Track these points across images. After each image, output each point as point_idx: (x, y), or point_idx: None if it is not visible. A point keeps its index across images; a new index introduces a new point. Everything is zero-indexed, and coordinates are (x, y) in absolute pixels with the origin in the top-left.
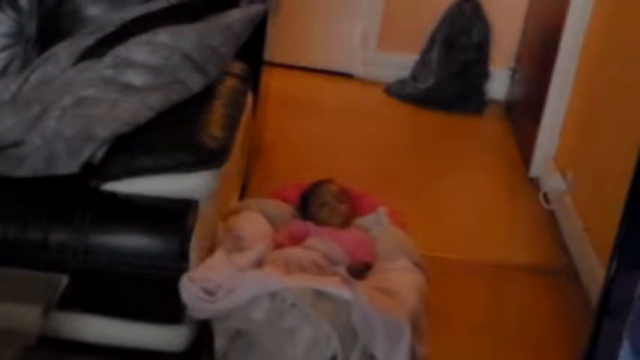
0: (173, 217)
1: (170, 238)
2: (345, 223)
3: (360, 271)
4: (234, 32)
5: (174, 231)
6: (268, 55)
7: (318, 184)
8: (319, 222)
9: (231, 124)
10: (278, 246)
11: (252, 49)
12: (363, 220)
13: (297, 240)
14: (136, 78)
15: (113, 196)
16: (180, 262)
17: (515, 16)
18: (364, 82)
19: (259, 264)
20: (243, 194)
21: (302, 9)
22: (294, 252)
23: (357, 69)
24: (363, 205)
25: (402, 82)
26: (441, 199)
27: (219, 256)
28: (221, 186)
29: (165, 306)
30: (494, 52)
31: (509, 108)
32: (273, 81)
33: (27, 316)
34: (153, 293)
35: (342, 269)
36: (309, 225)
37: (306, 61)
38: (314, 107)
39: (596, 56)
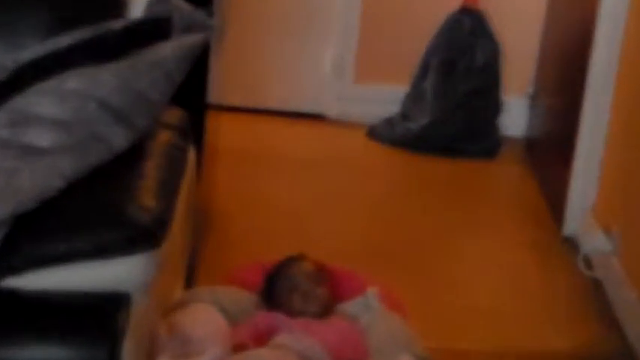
0: (97, 318)
1: (95, 347)
2: (325, 311)
3: None
4: (165, 71)
5: (99, 337)
6: (213, 97)
7: (287, 263)
8: (291, 312)
9: (169, 189)
10: (239, 347)
11: (191, 92)
12: (348, 306)
13: (263, 338)
14: (40, 137)
15: (14, 294)
16: None
17: (529, 29)
18: (340, 124)
19: None
20: (189, 281)
21: (255, 36)
22: (260, 355)
23: (330, 108)
24: (348, 287)
25: (388, 122)
26: (449, 273)
27: None
28: (160, 272)
29: None
30: (506, 77)
31: (530, 147)
32: (222, 130)
33: None
34: None
35: None
36: (278, 317)
37: (265, 102)
38: (277, 160)
39: (637, 74)
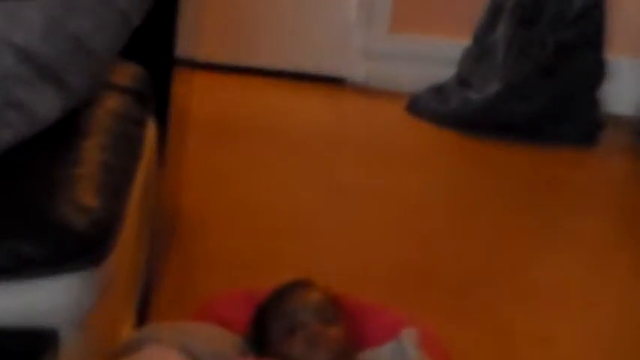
0: None
1: None
2: (343, 352)
3: None
4: (115, 7)
5: None
6: (186, 49)
7: (286, 292)
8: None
9: (118, 182)
10: None
11: (153, 41)
12: (374, 355)
13: None
14: None
15: None
16: None
17: None
18: (368, 92)
19: None
20: (143, 315)
21: None
22: None
23: (355, 69)
24: (373, 327)
25: (439, 91)
26: (519, 310)
27: None
28: (101, 302)
29: None
30: (612, 28)
31: None
32: (198, 97)
33: None
34: None
35: None
36: None
37: (261, 59)
38: (276, 143)
39: None
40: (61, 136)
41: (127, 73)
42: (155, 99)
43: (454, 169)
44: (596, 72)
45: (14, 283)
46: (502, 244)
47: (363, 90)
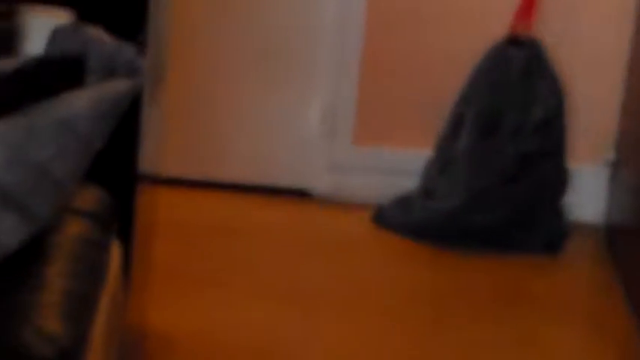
0: None
1: None
2: None
3: None
4: (77, 135)
5: None
6: (150, 168)
7: None
8: None
9: (82, 307)
10: None
11: (116, 163)
12: None
13: None
14: None
15: None
16: None
17: (607, 68)
18: (333, 203)
19: None
20: None
21: (208, 81)
22: None
23: (320, 181)
24: None
25: (403, 202)
26: None
27: None
28: None
29: None
30: (574, 137)
31: (612, 238)
32: (163, 216)
33: None
34: None
35: None
36: None
37: (228, 173)
38: (243, 255)
39: None
40: (23, 263)
41: (89, 197)
42: (118, 221)
43: (421, 281)
44: (559, 180)
45: None
46: (472, 353)
47: (328, 201)
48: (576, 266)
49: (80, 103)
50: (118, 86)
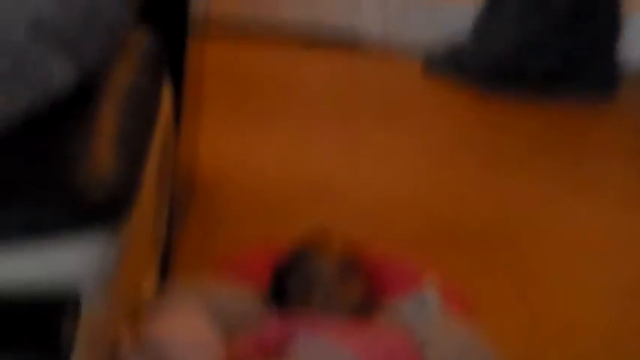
0: (33, 329)
1: None
2: (361, 313)
3: None
4: None
5: (37, 354)
6: (202, 13)
7: (304, 249)
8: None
9: (135, 147)
10: None
11: (168, 4)
12: (395, 307)
13: (272, 352)
14: None
15: None
16: None
17: None
18: (383, 52)
19: None
20: (165, 275)
21: None
22: None
23: (371, 28)
24: (394, 281)
25: (454, 50)
26: (540, 261)
27: None
28: (122, 263)
29: None
30: None
31: None
32: (213, 61)
33: None
34: None
35: None
36: (294, 321)
37: (278, 20)
38: (292, 100)
39: None
40: (74, 108)
41: (140, 41)
42: (170, 66)
43: (471, 127)
44: (613, 27)
45: (33, 250)
46: (522, 196)
47: (379, 51)
48: (628, 113)
49: None
50: None
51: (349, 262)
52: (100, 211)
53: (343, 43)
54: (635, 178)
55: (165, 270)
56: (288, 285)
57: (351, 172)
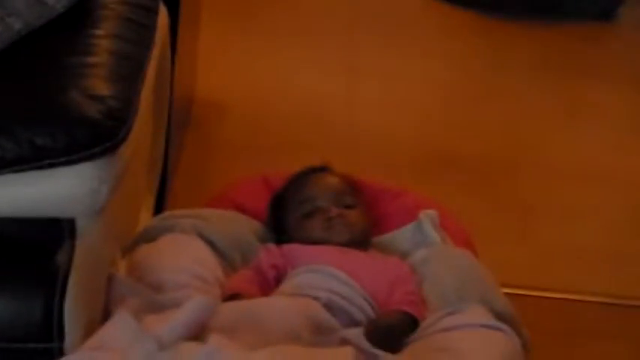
0: (28, 255)
1: (26, 296)
2: (358, 242)
3: (393, 333)
4: None
5: (31, 282)
6: None
7: (304, 176)
8: (311, 243)
9: (131, 69)
10: (233, 292)
11: None
12: (393, 237)
13: (269, 280)
14: None
15: None
16: (45, 338)
17: None
18: None
19: (197, 332)
20: (161, 203)
21: None
22: (267, 304)
23: None
24: (394, 209)
25: None
26: (541, 189)
27: (120, 324)
28: (118, 190)
29: None
30: None
31: None
32: None
33: None
34: None
35: (356, 333)
36: (293, 248)
37: None
38: (291, 24)
39: None
40: (71, 26)
41: None
42: None
43: (472, 49)
44: None
45: (30, 174)
46: (523, 122)
47: None
48: (630, 34)
49: None
50: None
51: (348, 192)
52: (96, 133)
53: None
54: (631, 108)
55: (160, 201)
56: (285, 214)
57: (350, 100)
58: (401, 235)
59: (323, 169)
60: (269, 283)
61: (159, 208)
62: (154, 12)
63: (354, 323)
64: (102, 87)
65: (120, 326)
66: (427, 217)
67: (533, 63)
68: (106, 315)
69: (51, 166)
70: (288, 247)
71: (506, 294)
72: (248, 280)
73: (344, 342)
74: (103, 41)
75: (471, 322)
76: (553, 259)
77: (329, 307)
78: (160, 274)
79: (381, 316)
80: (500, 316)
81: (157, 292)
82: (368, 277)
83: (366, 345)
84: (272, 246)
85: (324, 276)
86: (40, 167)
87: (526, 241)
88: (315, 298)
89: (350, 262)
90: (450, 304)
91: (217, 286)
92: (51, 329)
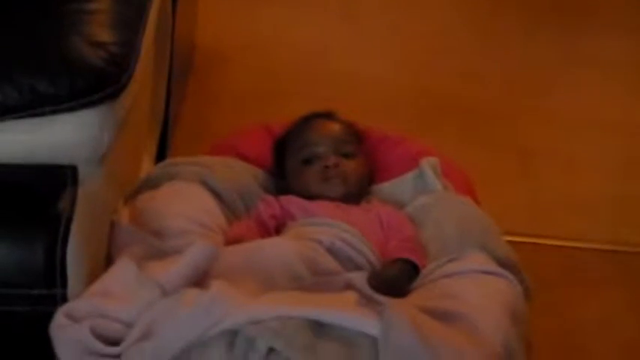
0: (30, 201)
1: (28, 242)
2: (355, 194)
3: (395, 282)
4: None
5: (33, 228)
6: None
7: (306, 122)
8: (308, 195)
9: (131, 16)
10: (235, 240)
11: None
12: (396, 185)
13: (270, 230)
14: None
15: None
16: (48, 284)
17: None
18: None
19: (200, 278)
20: (163, 151)
21: None
22: (272, 244)
23: None
24: (395, 157)
25: None
26: (543, 134)
27: (123, 270)
28: (120, 137)
29: None
30: None
31: None
32: None
33: None
34: (3, 345)
35: (360, 277)
36: (293, 200)
37: None
38: None
39: None
40: None
41: None
42: None
43: None
44: None
45: (32, 120)
46: (523, 68)
47: None
48: None
49: None
50: None
51: (350, 140)
52: (98, 79)
53: None
54: (634, 53)
55: (162, 148)
56: (286, 159)
57: (350, 51)
58: (402, 183)
59: (327, 115)
60: (270, 233)
61: (161, 156)
62: None
63: (357, 269)
64: (103, 33)
65: (122, 272)
66: (429, 164)
67: (534, 6)
68: (108, 262)
69: (52, 112)
70: (285, 199)
71: (507, 241)
72: (249, 228)
73: (348, 286)
74: None
75: (472, 268)
76: (553, 206)
77: (331, 250)
78: (162, 221)
79: (382, 266)
80: (501, 263)
81: (160, 239)
82: (363, 229)
83: (370, 291)
84: (270, 197)
85: (326, 225)
86: (42, 114)
87: (526, 188)
88: (319, 242)
89: (345, 217)
90: (451, 250)
91: (220, 233)
92: (54, 275)
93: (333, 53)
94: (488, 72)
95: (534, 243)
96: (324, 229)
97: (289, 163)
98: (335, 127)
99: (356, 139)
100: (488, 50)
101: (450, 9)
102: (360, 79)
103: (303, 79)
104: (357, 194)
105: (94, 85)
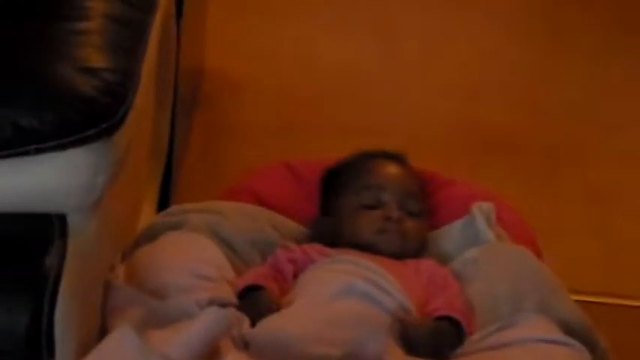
0: (13, 257)
1: (11, 305)
2: (412, 255)
3: (436, 339)
4: None
5: (17, 289)
6: None
7: (370, 158)
8: (356, 242)
9: (130, 38)
10: (246, 286)
11: None
12: (443, 234)
13: (286, 275)
14: None
15: None
16: (33, 354)
17: None
18: None
19: (211, 348)
20: (166, 195)
21: None
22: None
23: None
24: (441, 200)
25: None
26: (624, 175)
27: (122, 340)
28: (116, 180)
29: None
30: None
31: None
32: None
33: None
34: None
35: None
36: (315, 247)
37: None
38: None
39: None
40: None
41: None
42: None
43: (525, 7)
44: None
45: (13, 161)
46: (591, 97)
47: None
48: None
49: None
50: None
51: (419, 190)
52: (90, 112)
53: None
54: None
55: (165, 194)
56: (338, 196)
57: (384, 76)
58: (448, 233)
59: (397, 158)
60: (285, 279)
61: (164, 201)
62: None
63: (387, 313)
64: (96, 58)
65: (122, 342)
66: (481, 210)
67: (605, 23)
68: (102, 328)
69: (38, 151)
70: (309, 245)
71: (576, 302)
72: (259, 275)
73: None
74: (98, 4)
75: (527, 336)
76: (630, 260)
77: (352, 292)
78: (161, 277)
79: (422, 320)
80: (567, 329)
81: (160, 298)
82: (399, 281)
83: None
84: (291, 243)
85: (350, 263)
86: (26, 153)
87: (597, 238)
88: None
89: (379, 264)
90: (503, 313)
91: (225, 284)
92: (39, 344)
93: (362, 79)
94: (549, 103)
95: (609, 304)
96: (348, 266)
97: (343, 202)
98: (405, 176)
99: (423, 194)
100: (547, 77)
101: (499, 30)
102: (398, 110)
103: (328, 108)
104: (411, 256)
105: (85, 119)
